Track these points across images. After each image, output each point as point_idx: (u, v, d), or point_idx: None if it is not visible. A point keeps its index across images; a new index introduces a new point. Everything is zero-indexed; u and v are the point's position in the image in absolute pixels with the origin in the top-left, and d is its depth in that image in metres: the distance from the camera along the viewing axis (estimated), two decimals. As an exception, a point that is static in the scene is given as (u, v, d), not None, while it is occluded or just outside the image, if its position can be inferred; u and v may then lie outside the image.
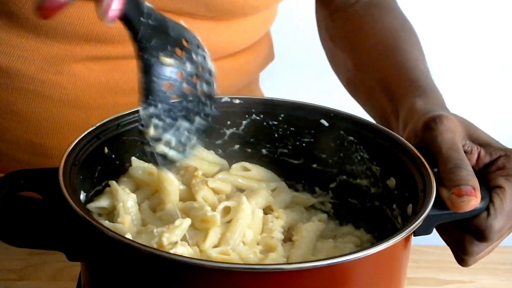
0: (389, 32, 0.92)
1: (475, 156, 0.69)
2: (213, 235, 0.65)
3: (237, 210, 0.67)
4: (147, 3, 0.62)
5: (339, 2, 0.98)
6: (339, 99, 0.95)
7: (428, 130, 0.69)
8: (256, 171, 0.75)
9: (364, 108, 0.91)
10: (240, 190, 0.73)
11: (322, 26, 1.02)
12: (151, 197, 0.71)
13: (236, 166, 0.75)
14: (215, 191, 0.71)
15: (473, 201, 0.63)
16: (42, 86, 0.87)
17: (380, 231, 0.72)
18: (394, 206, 0.70)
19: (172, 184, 0.69)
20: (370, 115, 0.89)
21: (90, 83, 0.87)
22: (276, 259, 0.65)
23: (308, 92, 1.08)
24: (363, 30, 0.94)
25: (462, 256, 0.69)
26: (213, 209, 0.67)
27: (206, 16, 0.88)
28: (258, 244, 0.67)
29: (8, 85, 0.88)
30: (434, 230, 0.65)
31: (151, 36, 0.62)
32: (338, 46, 0.97)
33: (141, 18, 0.61)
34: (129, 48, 0.85)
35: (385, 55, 0.89)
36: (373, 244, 0.58)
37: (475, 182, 0.65)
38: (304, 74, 1.25)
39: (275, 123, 0.76)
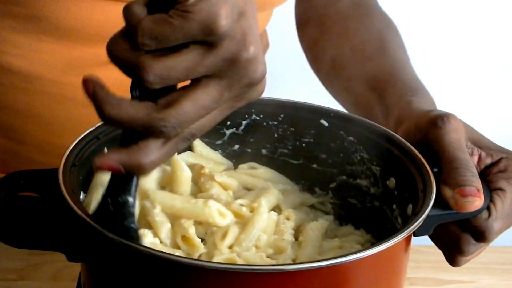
0: (375, 34, 0.93)
1: (475, 158, 0.69)
2: (231, 235, 0.66)
3: (254, 212, 0.67)
4: None
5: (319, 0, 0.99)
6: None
7: (435, 127, 0.69)
8: (264, 170, 0.75)
9: (341, 102, 0.91)
10: (247, 188, 0.74)
11: (301, 22, 1.02)
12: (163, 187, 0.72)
13: (244, 165, 0.75)
14: (222, 186, 0.71)
15: (477, 202, 0.64)
16: (65, 88, 0.86)
17: (380, 231, 0.72)
18: (394, 206, 0.70)
19: (184, 173, 0.70)
20: (346, 108, 0.90)
21: (112, 85, 0.87)
22: (283, 262, 0.65)
23: (309, 92, 1.08)
24: (346, 30, 0.95)
25: (456, 255, 0.69)
26: (228, 207, 0.67)
27: None
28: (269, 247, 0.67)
29: (29, 89, 0.88)
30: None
31: None
32: (319, 42, 0.98)
33: None
34: None
35: (372, 55, 0.89)
36: (373, 244, 0.58)
37: (478, 183, 0.65)
38: (302, 73, 1.25)
39: (275, 123, 0.76)
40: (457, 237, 0.68)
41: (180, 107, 0.52)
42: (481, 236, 0.66)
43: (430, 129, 0.69)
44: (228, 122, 0.75)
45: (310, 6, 1.00)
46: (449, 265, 0.70)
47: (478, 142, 0.70)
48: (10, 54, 0.85)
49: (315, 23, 1.00)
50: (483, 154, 0.70)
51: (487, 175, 0.69)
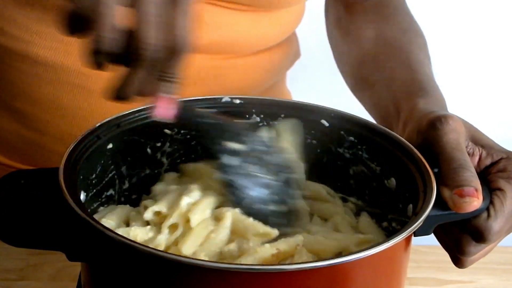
0: (397, 33, 0.93)
1: (476, 158, 0.69)
2: None
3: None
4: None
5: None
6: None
7: (433, 129, 0.69)
8: None
9: (364, 106, 0.91)
10: None
11: (330, 20, 1.02)
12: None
13: None
14: None
15: (475, 202, 0.64)
16: (87, 80, 0.87)
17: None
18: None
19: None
20: (371, 114, 0.89)
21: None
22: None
23: (310, 92, 1.08)
24: (371, 29, 0.95)
25: (459, 257, 0.69)
26: None
27: (244, 5, 0.88)
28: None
29: (52, 79, 0.88)
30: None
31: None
32: (345, 41, 0.98)
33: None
34: None
35: (391, 55, 0.89)
36: (373, 245, 0.58)
37: (477, 183, 0.65)
38: (330, 76, 1.25)
39: (275, 123, 0.76)
40: (458, 238, 0.68)
41: None
42: (480, 236, 0.66)
43: (429, 131, 0.69)
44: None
45: (343, 5, 1.01)
46: (449, 265, 0.70)
47: (480, 141, 0.70)
48: (37, 45, 0.86)
49: (342, 19, 1.00)
50: (483, 154, 0.69)
51: (487, 175, 0.69)
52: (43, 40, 0.86)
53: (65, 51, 0.86)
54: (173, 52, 0.58)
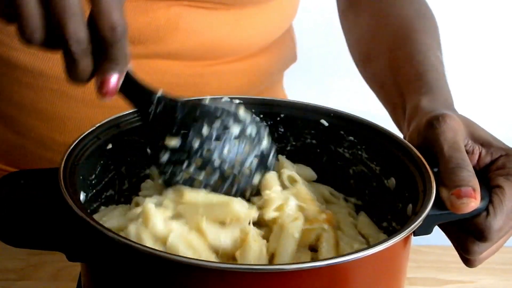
0: (404, 20, 0.91)
1: (476, 156, 0.69)
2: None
3: None
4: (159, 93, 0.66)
5: None
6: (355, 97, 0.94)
7: (431, 128, 0.69)
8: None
9: (378, 98, 0.91)
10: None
11: (343, 11, 1.01)
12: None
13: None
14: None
15: (472, 203, 0.63)
16: (66, 85, 0.87)
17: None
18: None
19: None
20: (384, 107, 0.89)
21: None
22: None
23: (310, 92, 1.08)
24: (378, 18, 0.94)
25: (466, 257, 0.69)
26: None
27: (218, 5, 0.87)
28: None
29: (32, 84, 0.89)
30: (434, 230, 0.65)
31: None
32: (353, 35, 0.97)
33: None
34: (150, 48, 0.86)
35: (397, 46, 0.88)
36: (373, 244, 0.58)
37: (475, 183, 0.64)
38: (328, 75, 1.25)
39: (275, 123, 0.76)
40: (462, 237, 0.68)
41: None
42: (481, 235, 0.66)
43: (428, 130, 0.69)
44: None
45: None
46: (449, 265, 0.70)
47: (479, 139, 0.70)
48: (17, 50, 0.87)
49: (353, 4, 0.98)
50: (483, 152, 0.69)
51: (487, 173, 0.69)
52: (23, 45, 0.86)
53: (44, 57, 0.87)
54: (103, 40, 0.58)
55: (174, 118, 0.65)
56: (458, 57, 1.55)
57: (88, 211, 0.68)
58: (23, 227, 0.61)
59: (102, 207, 0.71)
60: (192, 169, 0.66)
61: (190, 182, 0.66)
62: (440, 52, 0.87)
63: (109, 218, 0.68)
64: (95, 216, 0.69)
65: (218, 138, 0.66)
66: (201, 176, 0.66)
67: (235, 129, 0.67)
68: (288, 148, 0.76)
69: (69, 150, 0.65)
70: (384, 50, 0.90)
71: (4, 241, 0.61)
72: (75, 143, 0.66)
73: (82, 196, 0.66)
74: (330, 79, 1.02)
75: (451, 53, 1.52)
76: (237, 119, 0.67)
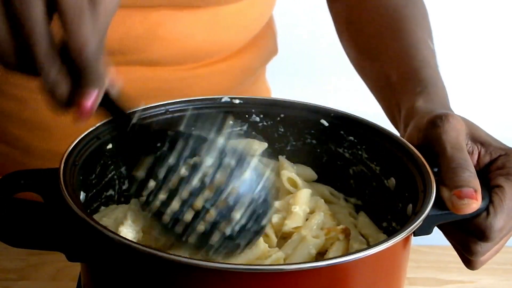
0: (392, 12, 0.89)
1: (475, 157, 0.69)
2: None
3: None
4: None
5: None
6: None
7: (433, 127, 0.69)
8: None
9: (372, 94, 0.90)
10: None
11: (332, 10, 0.99)
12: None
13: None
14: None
15: (474, 204, 0.63)
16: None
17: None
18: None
19: None
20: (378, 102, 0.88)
21: None
22: None
23: (310, 92, 1.08)
24: (365, 11, 0.92)
25: (468, 258, 0.69)
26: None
27: (191, 5, 0.86)
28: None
29: (17, 94, 0.89)
30: (434, 230, 0.65)
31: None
32: (343, 30, 0.95)
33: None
34: (131, 57, 0.86)
35: (387, 40, 0.87)
36: (373, 244, 0.58)
37: (476, 183, 0.64)
38: (309, 70, 1.24)
39: (275, 123, 0.76)
40: (463, 238, 0.68)
41: None
42: (482, 235, 0.66)
43: (430, 129, 0.69)
44: (230, 122, 0.75)
45: None
46: (449, 265, 0.70)
47: (478, 139, 0.70)
48: None
49: (342, 9, 0.96)
50: (482, 152, 0.69)
51: (487, 173, 0.69)
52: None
53: None
54: (73, 62, 0.56)
55: (147, 146, 0.63)
56: (456, 58, 1.55)
57: (88, 211, 0.68)
58: (23, 227, 0.61)
59: (102, 207, 0.71)
60: (158, 202, 0.61)
61: (159, 215, 0.62)
62: (431, 40, 0.86)
63: (109, 218, 0.68)
64: (95, 216, 0.69)
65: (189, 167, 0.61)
66: (169, 210, 0.61)
67: (207, 159, 0.62)
68: (288, 148, 0.76)
69: (69, 150, 0.65)
70: (373, 47, 0.89)
71: (4, 241, 0.61)
72: (75, 143, 0.66)
73: (82, 196, 0.66)
74: (330, 79, 1.02)
75: (449, 53, 1.53)
76: (212, 147, 0.62)
